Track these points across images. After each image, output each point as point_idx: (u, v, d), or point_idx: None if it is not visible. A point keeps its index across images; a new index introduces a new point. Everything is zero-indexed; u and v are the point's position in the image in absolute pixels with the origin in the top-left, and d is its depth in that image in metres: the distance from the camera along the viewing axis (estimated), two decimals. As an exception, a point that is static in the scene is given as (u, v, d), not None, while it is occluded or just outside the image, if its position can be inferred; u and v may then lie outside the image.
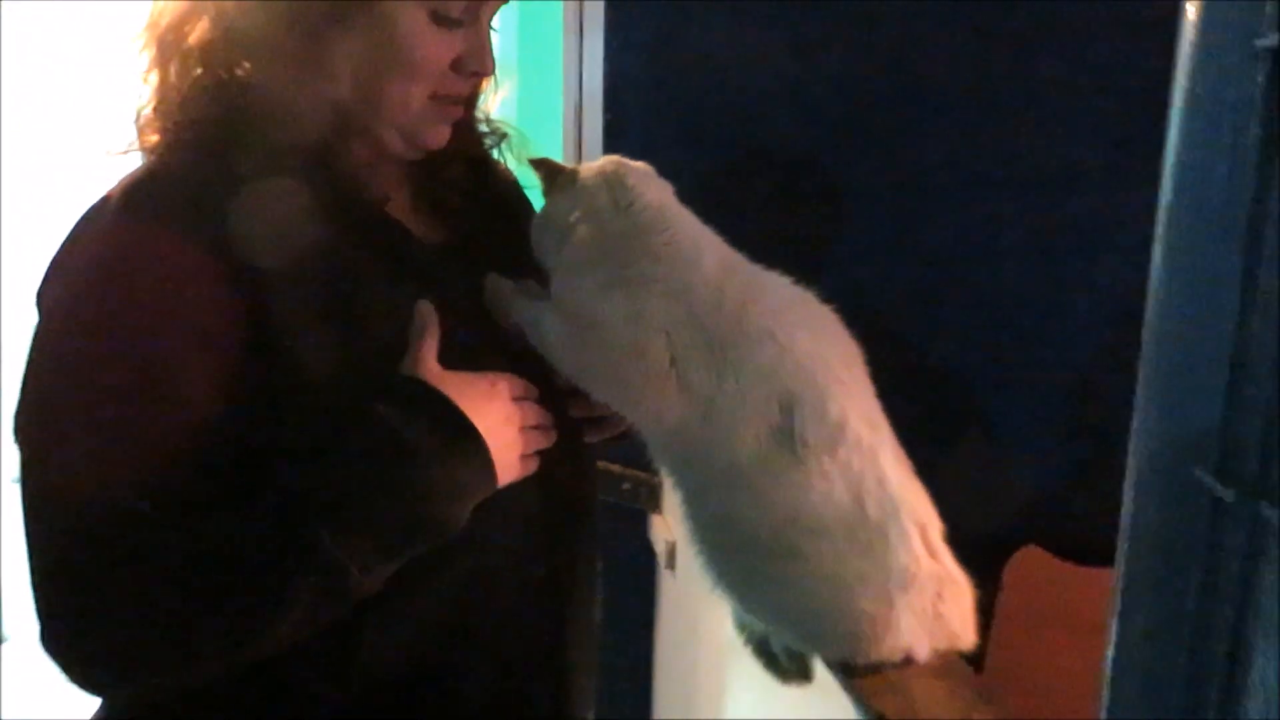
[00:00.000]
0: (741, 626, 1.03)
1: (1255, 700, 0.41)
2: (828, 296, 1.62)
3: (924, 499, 0.92)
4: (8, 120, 2.66)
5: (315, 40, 0.78)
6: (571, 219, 0.89)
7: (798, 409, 0.85)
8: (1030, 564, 1.76)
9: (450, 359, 0.82)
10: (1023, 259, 1.65)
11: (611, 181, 0.90)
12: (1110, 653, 0.50)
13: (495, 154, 0.99)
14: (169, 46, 0.81)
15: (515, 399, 0.82)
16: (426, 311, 0.81)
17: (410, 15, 0.80)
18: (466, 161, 0.93)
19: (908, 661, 0.89)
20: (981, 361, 1.69)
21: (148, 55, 0.82)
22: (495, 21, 0.89)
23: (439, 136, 0.87)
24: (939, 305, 1.67)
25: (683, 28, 1.66)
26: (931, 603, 0.88)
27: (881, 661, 0.89)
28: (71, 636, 0.75)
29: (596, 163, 0.94)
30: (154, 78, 0.82)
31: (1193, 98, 0.43)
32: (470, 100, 0.92)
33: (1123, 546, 0.48)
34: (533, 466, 0.83)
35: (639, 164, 0.94)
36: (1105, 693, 0.49)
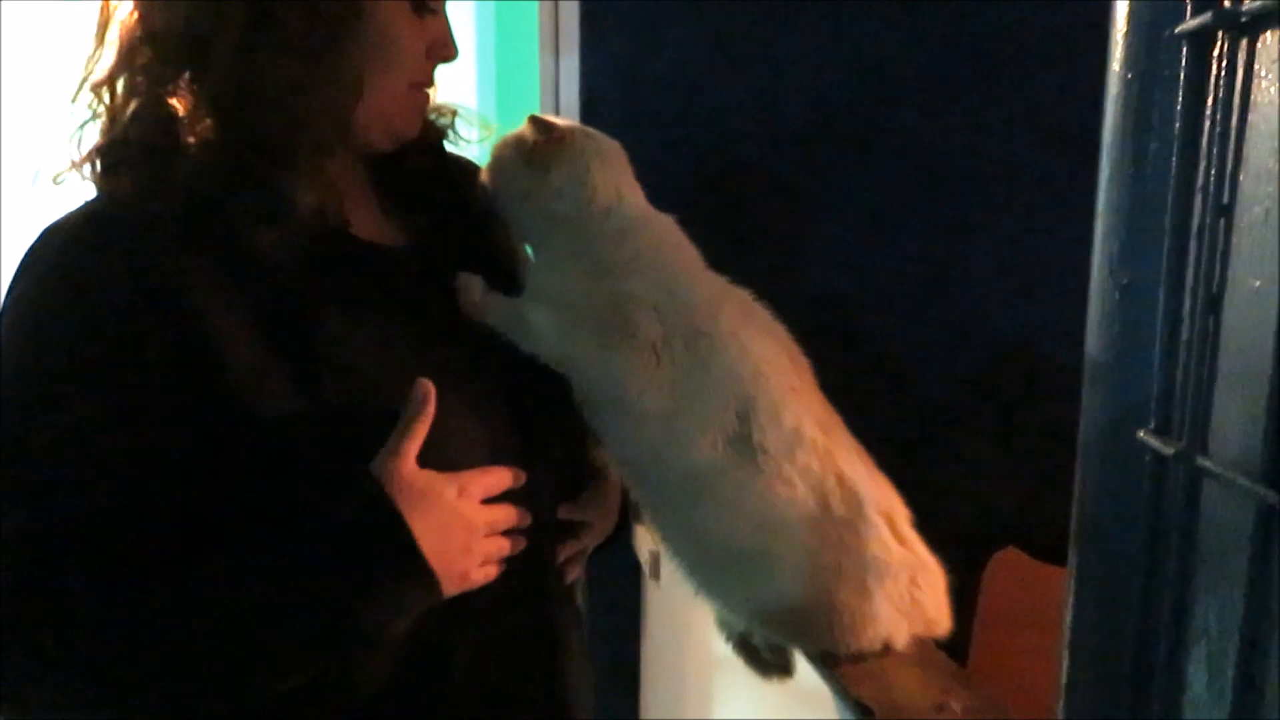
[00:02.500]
0: (722, 624, 1.05)
1: (1200, 647, 0.44)
2: (804, 302, 1.65)
3: (888, 490, 0.94)
4: (8, 121, 2.60)
5: (298, 46, 0.78)
6: (555, 210, 0.91)
7: (754, 416, 0.88)
8: (1010, 566, 1.78)
9: (420, 366, 0.81)
10: (995, 262, 1.69)
11: (599, 185, 0.92)
12: (1069, 612, 0.52)
13: (449, 135, 0.99)
14: (118, 69, 0.80)
15: (485, 501, 0.80)
16: (423, 394, 0.77)
17: (394, 6, 0.82)
18: (425, 150, 0.93)
19: (887, 649, 0.91)
20: (957, 365, 1.72)
21: (97, 78, 0.80)
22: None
23: (415, 125, 0.88)
24: (913, 310, 1.70)
25: (656, 46, 1.70)
26: (907, 589, 0.91)
27: (862, 651, 0.91)
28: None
29: (572, 132, 0.94)
30: (102, 104, 0.81)
31: (1125, 82, 0.46)
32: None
33: (1077, 510, 0.51)
34: (493, 574, 0.81)
35: (612, 145, 0.95)
36: (1065, 651, 0.52)
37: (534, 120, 0.92)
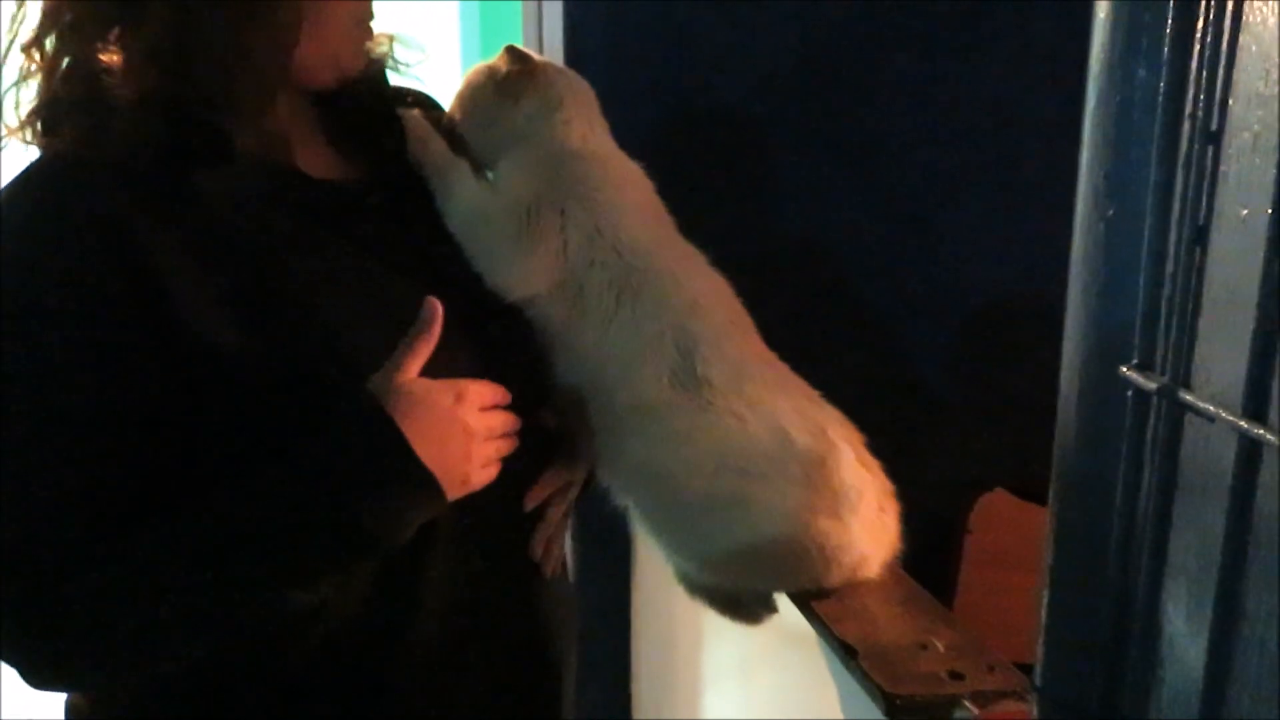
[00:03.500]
0: (691, 585, 1.03)
1: (1179, 582, 0.44)
2: (788, 245, 1.63)
3: (840, 416, 0.94)
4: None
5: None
6: (524, 135, 0.91)
7: (696, 348, 0.88)
8: (997, 507, 1.80)
9: (377, 298, 0.82)
10: (980, 204, 1.67)
11: (572, 118, 0.92)
12: (1049, 548, 0.52)
13: (390, 62, 0.97)
14: (45, 28, 0.78)
15: (483, 408, 0.80)
16: (430, 313, 0.78)
17: None
18: (368, 81, 0.90)
19: (862, 578, 0.92)
20: (941, 308, 1.71)
21: (25, 39, 0.79)
22: None
23: (359, 60, 0.87)
24: (897, 253, 1.68)
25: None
26: (877, 514, 0.91)
27: (842, 582, 0.91)
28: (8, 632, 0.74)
29: (546, 65, 0.94)
30: (33, 63, 0.79)
31: (1113, 5, 0.44)
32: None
33: (1058, 446, 0.50)
34: (493, 474, 0.81)
35: (584, 84, 0.96)
36: (1045, 588, 0.52)
37: (510, 50, 0.92)
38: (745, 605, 1.00)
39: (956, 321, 1.72)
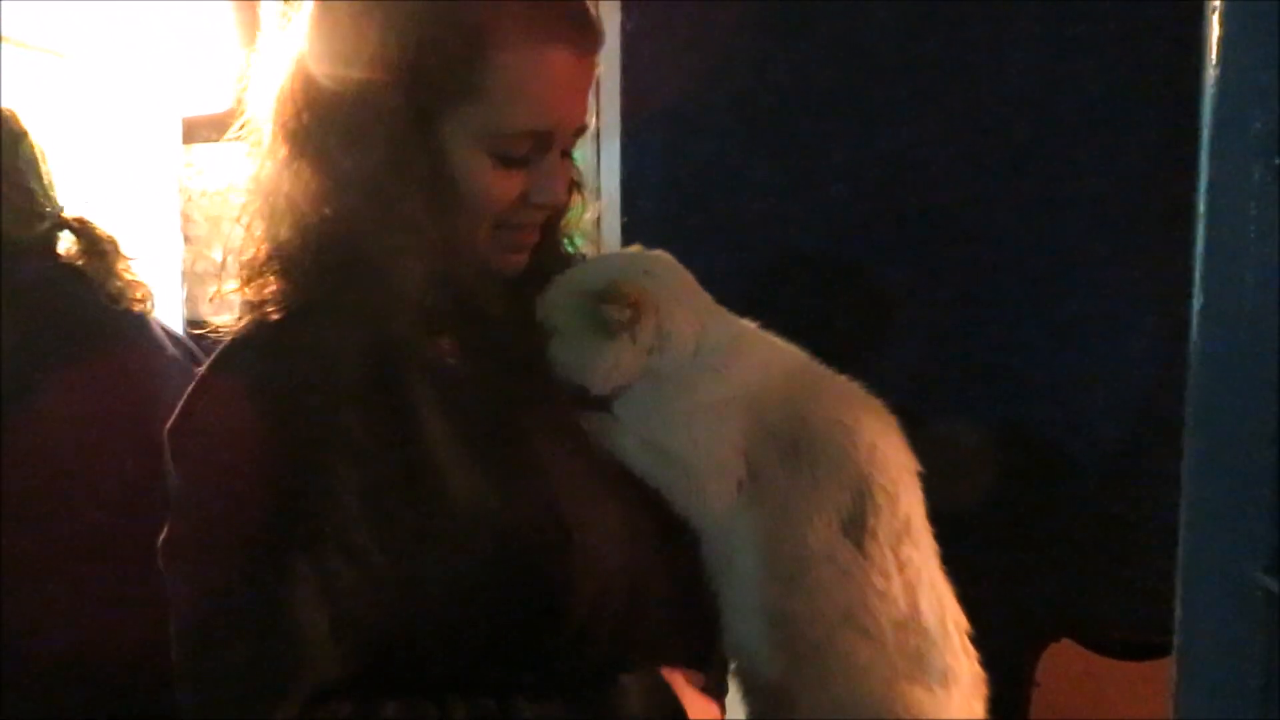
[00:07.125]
0: None
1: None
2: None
3: (955, 601, 0.92)
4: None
5: (384, 190, 0.80)
6: (644, 360, 0.90)
7: (870, 499, 0.86)
8: (1065, 659, 1.73)
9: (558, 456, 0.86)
10: (1050, 348, 1.66)
11: (684, 331, 0.91)
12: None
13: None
14: (264, 206, 0.84)
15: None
16: None
17: (473, 159, 0.82)
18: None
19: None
20: (1006, 454, 1.69)
21: (247, 213, 0.85)
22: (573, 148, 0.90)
23: (513, 263, 0.89)
24: (965, 395, 1.67)
25: (696, 132, 1.72)
26: (969, 700, 0.89)
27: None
28: None
29: (647, 292, 0.91)
30: (249, 236, 0.85)
31: (1215, 211, 0.45)
32: (552, 222, 0.93)
33: (1180, 648, 0.49)
34: None
35: (677, 272, 0.95)
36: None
37: (614, 299, 0.89)
38: None
39: (1014, 466, 1.70)
